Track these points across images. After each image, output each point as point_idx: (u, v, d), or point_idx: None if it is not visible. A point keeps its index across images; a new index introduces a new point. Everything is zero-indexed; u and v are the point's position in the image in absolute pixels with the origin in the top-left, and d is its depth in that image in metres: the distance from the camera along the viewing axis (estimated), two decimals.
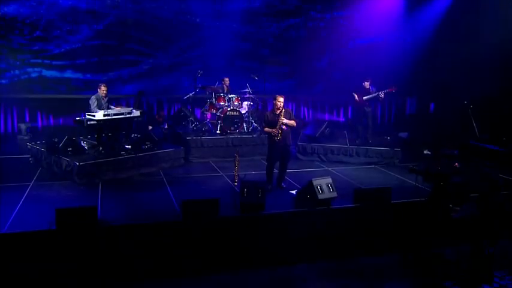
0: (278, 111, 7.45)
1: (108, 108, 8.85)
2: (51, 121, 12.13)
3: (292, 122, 7.51)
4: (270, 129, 7.47)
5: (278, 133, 7.39)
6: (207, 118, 10.99)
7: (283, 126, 7.40)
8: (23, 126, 11.50)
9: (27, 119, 11.86)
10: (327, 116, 14.35)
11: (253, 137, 10.34)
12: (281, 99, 7.41)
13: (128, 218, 6.29)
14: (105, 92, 8.80)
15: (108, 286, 5.70)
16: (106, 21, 12.15)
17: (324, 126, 10.46)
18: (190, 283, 5.84)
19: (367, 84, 10.03)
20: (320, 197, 6.68)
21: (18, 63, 11.62)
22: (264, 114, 8.18)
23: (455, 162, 8.03)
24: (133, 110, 8.90)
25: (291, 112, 7.72)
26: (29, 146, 9.12)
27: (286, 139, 7.55)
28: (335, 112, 14.58)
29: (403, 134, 12.53)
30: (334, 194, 6.86)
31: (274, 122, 7.45)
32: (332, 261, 6.47)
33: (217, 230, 6.18)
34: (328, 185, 6.86)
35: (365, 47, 14.00)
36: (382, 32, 13.33)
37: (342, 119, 14.52)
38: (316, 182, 6.78)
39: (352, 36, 13.94)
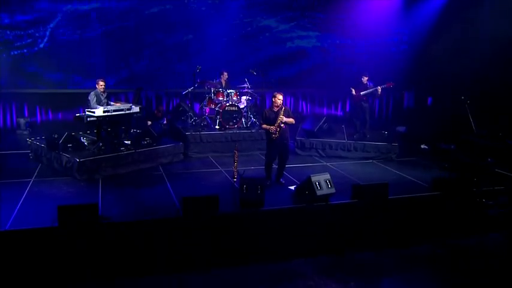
0: (277, 109, 7.48)
1: (107, 103, 8.88)
2: (50, 116, 12.14)
3: (292, 120, 7.55)
4: (268, 126, 7.48)
5: (276, 131, 7.42)
6: (206, 113, 11.01)
7: (282, 125, 7.44)
8: (22, 121, 11.52)
9: (26, 114, 11.86)
10: (325, 110, 14.39)
11: (251, 132, 10.36)
12: (280, 96, 7.43)
13: (129, 214, 6.35)
14: (103, 87, 8.82)
15: (109, 282, 5.77)
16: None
17: (323, 121, 10.48)
18: (190, 279, 5.90)
19: (365, 79, 10.09)
20: (318, 193, 6.75)
21: None
22: (262, 110, 8.19)
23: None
24: (133, 106, 8.91)
25: (289, 110, 7.75)
26: (28, 142, 9.14)
27: (284, 136, 7.59)
28: (333, 106, 14.61)
29: (401, 128, 12.57)
30: (332, 190, 6.93)
31: (272, 120, 7.47)
32: (331, 256, 6.56)
33: (218, 226, 6.25)
34: (326, 181, 6.91)
35: (363, 43, 14.02)
36: (380, 26, 13.32)
37: (340, 112, 14.56)
38: (315, 178, 6.84)
39: (350, 31, 13.93)
